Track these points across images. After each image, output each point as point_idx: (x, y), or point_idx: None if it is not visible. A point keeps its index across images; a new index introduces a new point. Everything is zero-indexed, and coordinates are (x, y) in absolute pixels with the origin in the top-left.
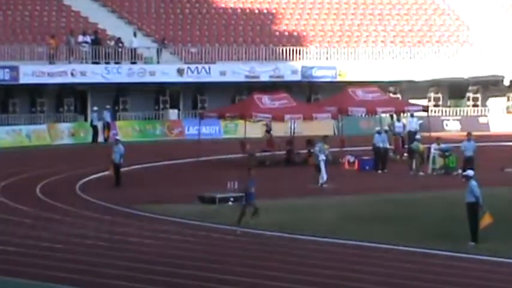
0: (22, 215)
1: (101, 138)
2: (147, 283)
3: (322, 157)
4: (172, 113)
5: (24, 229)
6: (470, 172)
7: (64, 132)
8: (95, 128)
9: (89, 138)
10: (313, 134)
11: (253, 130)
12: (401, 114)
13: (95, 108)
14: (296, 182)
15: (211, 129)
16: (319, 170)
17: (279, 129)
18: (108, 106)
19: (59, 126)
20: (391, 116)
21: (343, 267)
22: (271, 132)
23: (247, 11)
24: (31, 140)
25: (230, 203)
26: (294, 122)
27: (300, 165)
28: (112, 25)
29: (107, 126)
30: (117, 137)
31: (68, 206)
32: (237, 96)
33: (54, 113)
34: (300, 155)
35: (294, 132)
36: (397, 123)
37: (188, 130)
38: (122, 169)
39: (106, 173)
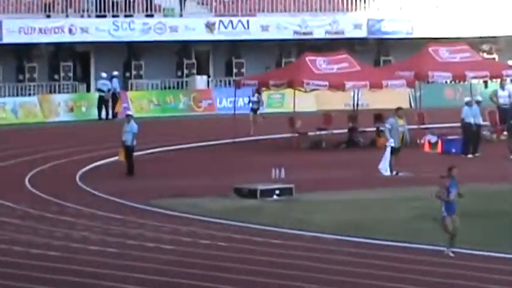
0: (6, 214)
1: (107, 114)
2: None
3: (391, 141)
4: (200, 81)
5: (9, 232)
6: None
7: (60, 106)
8: (100, 100)
9: (93, 114)
10: (383, 107)
11: (305, 102)
12: (506, 80)
13: (102, 74)
14: (361, 169)
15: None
16: (393, 152)
17: (338, 101)
18: (116, 72)
19: (53, 99)
20: (485, 83)
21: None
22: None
23: None
24: (18, 116)
25: (275, 196)
26: (358, 92)
27: (365, 148)
28: None
29: (116, 98)
30: (129, 112)
31: (66, 201)
32: (283, 59)
33: (48, 82)
34: (365, 134)
35: (357, 105)
36: (500, 92)
37: (220, 102)
38: (136, 153)
39: (115, 158)
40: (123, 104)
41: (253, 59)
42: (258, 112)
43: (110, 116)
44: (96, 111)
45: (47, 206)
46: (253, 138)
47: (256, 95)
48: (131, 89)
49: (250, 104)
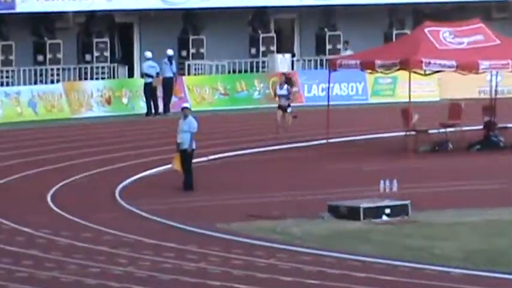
0: (22, 243)
1: (156, 108)
2: None
3: None
4: (282, 61)
5: (25, 267)
6: None
7: (93, 97)
8: (147, 88)
9: (138, 107)
10: None
11: (424, 89)
12: None
13: (148, 54)
14: (500, 179)
15: (349, 89)
16: None
17: (470, 87)
18: (170, 51)
19: (84, 87)
20: None
21: None
22: None
23: None
24: (36, 110)
25: (385, 217)
26: (497, 75)
27: (507, 150)
28: None
29: (168, 86)
30: (186, 105)
31: (102, 225)
32: (394, 30)
33: (76, 64)
34: (506, 132)
35: (496, 92)
36: None
37: (309, 90)
38: (196, 160)
39: (167, 167)
40: (178, 94)
41: (352, 31)
42: (289, 110)
43: (161, 110)
44: (141, 103)
45: (76, 231)
46: (352, 138)
47: (285, 86)
48: (188, 73)
49: (277, 99)
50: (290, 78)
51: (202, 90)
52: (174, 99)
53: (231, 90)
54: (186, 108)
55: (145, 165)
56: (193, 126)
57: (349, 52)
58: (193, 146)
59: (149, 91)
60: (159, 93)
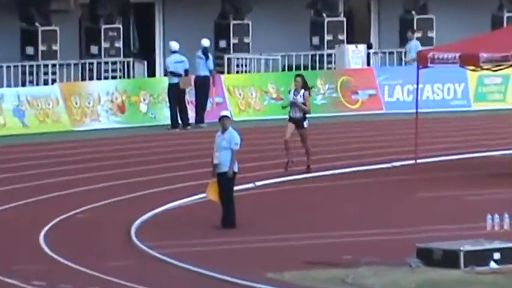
0: None
1: (184, 117)
2: None
3: None
4: (354, 54)
5: None
6: None
7: (100, 104)
8: (173, 91)
9: (161, 117)
10: None
11: None
12: None
13: (174, 45)
14: None
15: (445, 92)
16: None
17: None
18: (205, 41)
19: (88, 90)
20: None
21: None
22: None
23: None
24: (25, 121)
25: (493, 264)
26: None
27: None
28: None
29: (202, 88)
30: (225, 113)
31: (113, 274)
32: (505, 11)
33: (78, 60)
34: None
35: None
36: None
37: (390, 94)
38: (238, 187)
39: (201, 196)
40: (214, 97)
41: (450, 14)
42: (306, 124)
43: (192, 121)
44: (165, 112)
45: (80, 284)
46: (449, 156)
47: (302, 91)
48: (229, 71)
49: (288, 108)
50: (305, 81)
51: (247, 94)
52: (209, 105)
53: (286, 93)
54: (226, 117)
55: (170, 195)
56: (234, 141)
57: (414, 45)
58: (236, 169)
59: (176, 95)
60: (189, 97)
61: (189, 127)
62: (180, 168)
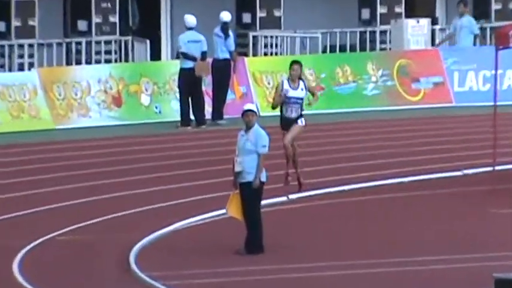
0: None
1: (198, 113)
2: None
3: None
4: (414, 32)
5: None
6: None
7: (91, 94)
8: (185, 78)
9: (168, 112)
10: None
11: None
12: None
13: (190, 20)
14: None
15: None
16: None
17: None
18: (225, 14)
19: (74, 77)
20: None
21: None
22: None
23: None
24: None
25: None
26: None
27: None
28: None
29: (221, 74)
30: (250, 107)
31: None
32: None
33: (62, 38)
34: None
35: None
36: None
37: (461, 82)
38: (267, 201)
39: (220, 213)
40: (238, 86)
41: None
42: (300, 121)
43: (208, 116)
44: (173, 105)
45: None
46: None
47: (300, 83)
48: (254, 53)
49: (283, 109)
50: (298, 68)
51: (277, 82)
52: (230, 96)
53: (328, 81)
54: (251, 112)
55: (179, 211)
56: (262, 143)
57: (467, 21)
58: (263, 178)
59: (188, 83)
60: (206, 86)
61: (203, 126)
62: (192, 177)
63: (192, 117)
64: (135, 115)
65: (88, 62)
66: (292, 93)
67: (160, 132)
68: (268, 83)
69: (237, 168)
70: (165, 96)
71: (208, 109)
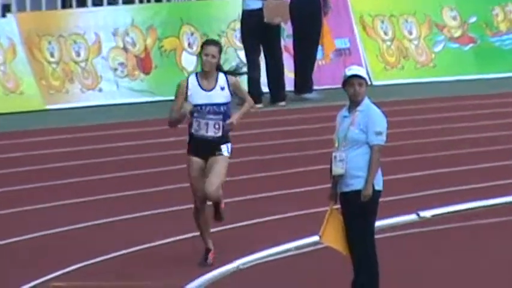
0: None
1: (275, 86)
2: None
3: None
4: None
5: None
6: None
7: (102, 54)
8: (250, 23)
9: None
10: None
11: None
12: None
13: None
14: None
15: None
16: None
17: None
18: None
19: (77, 23)
20: None
21: None
22: None
23: None
24: None
25: None
26: None
27: None
28: None
29: (307, 18)
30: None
31: None
32: None
33: None
34: None
35: None
36: None
37: None
38: (382, 222)
39: (311, 241)
40: (333, 38)
41: None
42: (225, 148)
43: (290, 88)
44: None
45: None
46: None
47: (220, 77)
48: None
49: (193, 123)
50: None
51: (398, 30)
52: (320, 56)
53: (479, 28)
54: (358, 79)
55: (244, 237)
56: (375, 127)
57: None
58: (379, 184)
59: (255, 35)
60: (284, 40)
61: (282, 103)
62: (262, 184)
63: (264, 88)
64: (172, 87)
65: (97, 3)
66: (203, 97)
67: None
68: (385, 33)
69: (337, 170)
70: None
71: (289, 77)
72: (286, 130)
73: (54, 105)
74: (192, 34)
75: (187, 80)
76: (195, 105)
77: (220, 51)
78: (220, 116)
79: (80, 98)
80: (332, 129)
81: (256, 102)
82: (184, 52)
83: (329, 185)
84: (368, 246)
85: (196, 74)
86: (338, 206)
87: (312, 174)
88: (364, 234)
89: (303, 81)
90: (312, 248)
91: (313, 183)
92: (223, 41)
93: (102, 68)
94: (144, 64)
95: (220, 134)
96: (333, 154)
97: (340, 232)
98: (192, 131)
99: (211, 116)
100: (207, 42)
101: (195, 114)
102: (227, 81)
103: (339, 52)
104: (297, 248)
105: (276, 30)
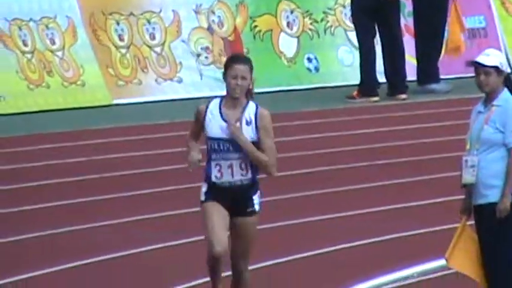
0: None
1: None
2: None
3: None
4: None
5: None
6: None
7: (183, 37)
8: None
9: (329, 69)
10: None
11: None
12: None
13: None
14: None
15: None
16: None
17: None
18: None
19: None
20: None
21: None
22: None
23: None
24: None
25: None
26: None
27: None
28: None
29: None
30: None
31: None
32: None
33: None
34: None
35: None
36: None
37: None
38: None
39: (438, 264)
40: (463, 16)
41: None
42: (256, 203)
43: (412, 77)
44: (342, 56)
45: None
46: None
47: (248, 107)
48: None
49: (212, 165)
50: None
51: None
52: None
53: None
54: (493, 69)
55: (353, 265)
56: None
57: None
58: None
59: (369, 13)
60: (404, 21)
61: (403, 95)
62: (373, 194)
63: (380, 78)
64: (269, 75)
65: None
66: (223, 129)
67: (315, 109)
68: None
69: (466, 178)
70: (326, 38)
71: (410, 62)
72: (407, 129)
73: (122, 99)
74: (292, 12)
75: (208, 105)
76: (211, 139)
77: (251, 69)
78: (242, 158)
79: (154, 90)
80: (465, 127)
81: (371, 94)
82: (282, 34)
83: (462, 196)
84: (508, 274)
85: (222, 98)
86: (472, 221)
87: (439, 184)
88: (502, 258)
89: (429, 71)
90: (437, 274)
91: (439, 194)
92: (330, 20)
93: (182, 53)
94: (233, 48)
95: (250, 175)
96: (464, 158)
97: (473, 254)
98: (213, 179)
99: (234, 155)
100: (233, 60)
101: (213, 156)
102: (256, 113)
103: (472, 33)
104: (419, 274)
105: (394, 5)
